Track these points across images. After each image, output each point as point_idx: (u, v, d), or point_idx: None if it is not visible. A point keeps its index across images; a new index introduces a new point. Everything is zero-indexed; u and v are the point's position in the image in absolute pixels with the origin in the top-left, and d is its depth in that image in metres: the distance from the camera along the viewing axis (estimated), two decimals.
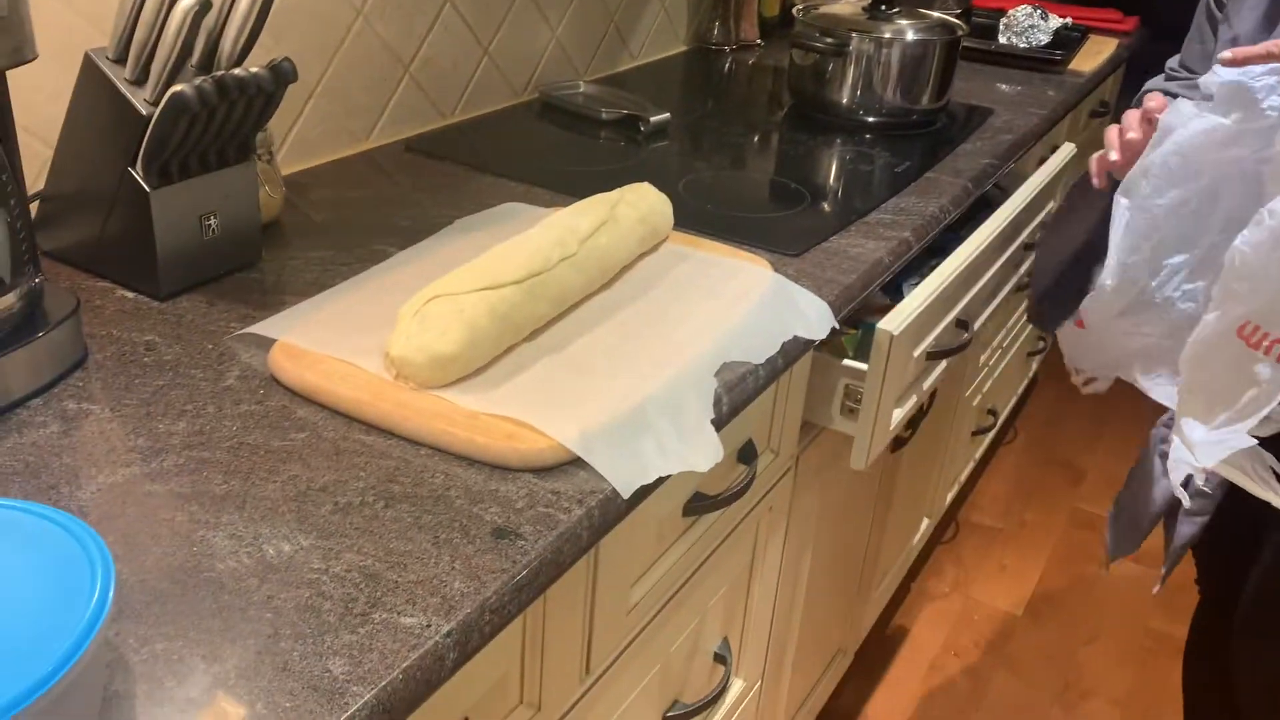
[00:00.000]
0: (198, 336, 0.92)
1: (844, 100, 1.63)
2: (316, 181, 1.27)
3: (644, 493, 0.78)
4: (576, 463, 0.77)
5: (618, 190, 1.11)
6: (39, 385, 0.83)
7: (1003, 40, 2.14)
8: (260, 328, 0.92)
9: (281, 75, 0.93)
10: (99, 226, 0.97)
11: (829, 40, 1.58)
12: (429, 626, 0.63)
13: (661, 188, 1.14)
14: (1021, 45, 2.12)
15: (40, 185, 1.01)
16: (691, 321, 0.96)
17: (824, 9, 1.72)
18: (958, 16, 1.90)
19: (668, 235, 1.12)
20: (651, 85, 1.84)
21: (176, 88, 0.86)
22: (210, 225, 0.99)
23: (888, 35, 1.59)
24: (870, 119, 1.63)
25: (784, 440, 1.16)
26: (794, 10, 1.71)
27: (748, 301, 1.01)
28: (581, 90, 1.66)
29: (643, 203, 1.09)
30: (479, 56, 1.53)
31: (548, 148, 1.49)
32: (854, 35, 1.58)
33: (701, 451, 0.82)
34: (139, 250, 0.95)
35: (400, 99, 1.42)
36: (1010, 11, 2.18)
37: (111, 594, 0.53)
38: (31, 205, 1.02)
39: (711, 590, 1.11)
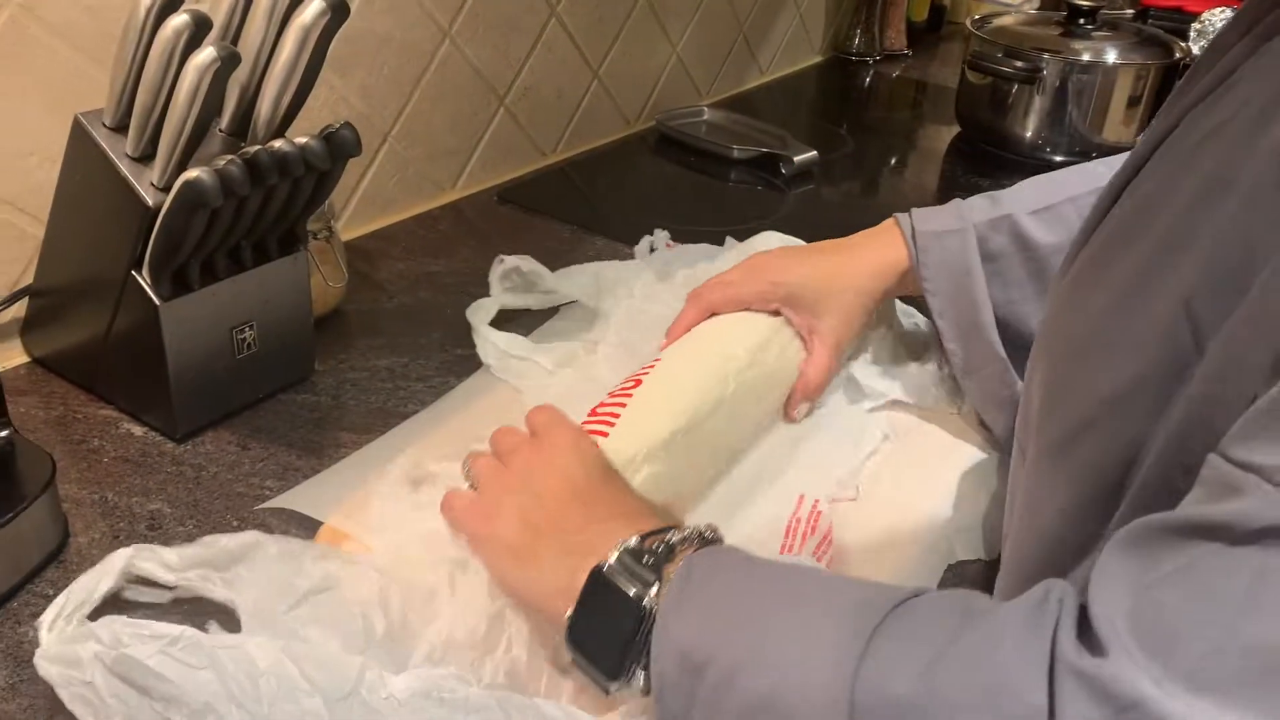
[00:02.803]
0: (220, 505, 0.68)
1: (1028, 133, 1.33)
2: (389, 248, 1.02)
3: None
4: None
5: None
6: None
7: (1195, 50, 1.80)
8: (301, 501, 0.67)
9: (340, 148, 0.68)
10: (99, 338, 0.73)
11: (1017, 64, 1.28)
12: None
13: None
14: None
15: (30, 277, 0.78)
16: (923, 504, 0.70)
17: (1001, 20, 1.41)
18: (1132, 20, 1.58)
19: None
20: (784, 107, 1.56)
21: (191, 173, 0.61)
22: (245, 339, 0.74)
23: (1087, 58, 1.28)
24: (1059, 157, 1.33)
25: None
26: (968, 22, 1.41)
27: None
28: (705, 118, 1.38)
29: None
30: (588, 81, 1.26)
31: (668, 195, 1.22)
32: (1047, 56, 1.28)
33: None
34: (149, 374, 0.71)
35: (493, 137, 1.16)
36: (1203, 16, 1.84)
37: None
38: (17, 305, 0.78)
39: None
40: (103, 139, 0.66)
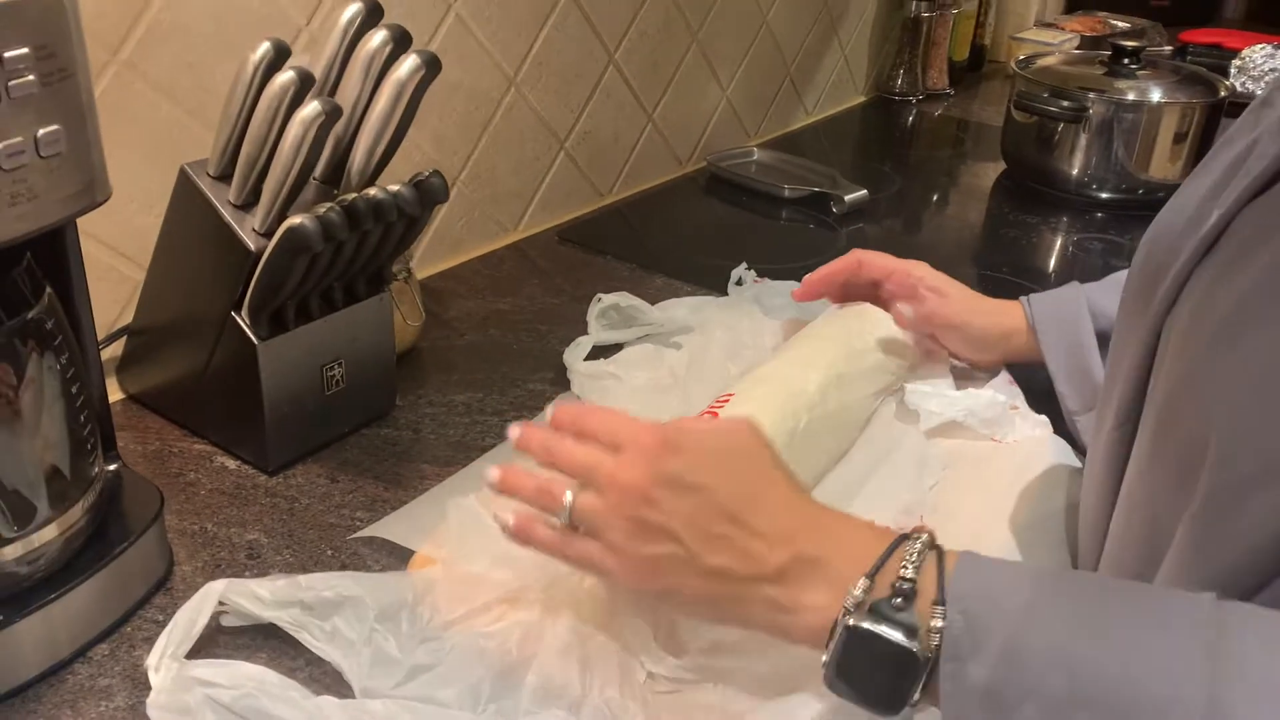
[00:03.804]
0: (314, 534, 0.71)
1: (1074, 171, 1.35)
2: (458, 287, 1.05)
3: None
4: None
5: (838, 318, 0.87)
6: (107, 624, 0.62)
7: (1238, 87, 1.82)
8: (390, 528, 0.70)
9: (430, 195, 0.71)
10: (196, 376, 0.77)
11: (1063, 104, 1.31)
12: None
13: None
14: (1261, 94, 1.79)
15: (128, 317, 0.82)
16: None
17: (1045, 61, 1.44)
18: (1171, 57, 1.61)
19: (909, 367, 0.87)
20: (830, 146, 1.59)
21: (294, 219, 0.65)
22: (334, 376, 0.77)
23: (1132, 97, 1.31)
24: (1105, 195, 1.35)
25: None
26: (1012, 62, 1.43)
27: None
28: (755, 159, 1.41)
29: (874, 333, 0.85)
30: (643, 124, 1.30)
31: (721, 233, 1.25)
32: (1092, 96, 1.30)
33: None
34: (244, 410, 0.75)
35: (554, 179, 1.19)
36: (1244, 53, 1.86)
37: None
38: (115, 344, 0.82)
39: None
40: (207, 187, 0.70)
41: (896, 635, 0.46)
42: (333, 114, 0.64)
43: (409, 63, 0.66)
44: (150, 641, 0.61)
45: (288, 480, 0.76)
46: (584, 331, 0.94)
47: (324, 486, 0.76)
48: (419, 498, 0.74)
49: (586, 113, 1.20)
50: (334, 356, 0.77)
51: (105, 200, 0.57)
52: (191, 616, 0.58)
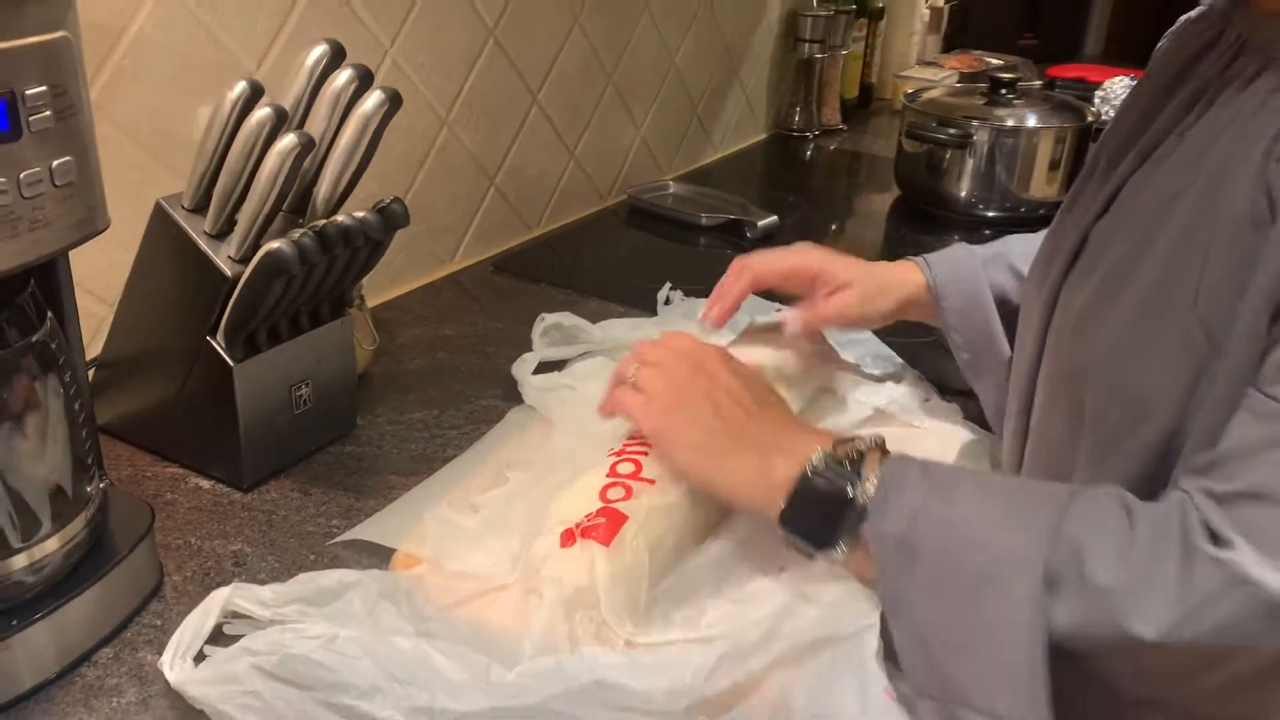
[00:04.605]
0: (295, 542, 0.75)
1: (963, 193, 1.47)
2: (403, 316, 1.10)
3: None
4: None
5: (758, 339, 0.94)
6: (107, 631, 0.65)
7: (1103, 114, 1.98)
8: (370, 530, 0.75)
9: (392, 220, 0.77)
10: (168, 402, 0.81)
11: (950, 131, 1.43)
12: None
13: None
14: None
15: (95, 350, 0.85)
16: None
17: (931, 94, 1.56)
18: (1044, 91, 1.75)
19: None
20: (737, 179, 1.69)
21: (272, 244, 0.70)
22: (302, 396, 0.82)
23: (1011, 123, 1.43)
24: (991, 213, 1.47)
25: None
26: (902, 95, 1.55)
27: None
28: (671, 191, 1.50)
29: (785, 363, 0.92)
30: (566, 161, 1.37)
31: (645, 260, 1.32)
32: (975, 124, 1.43)
33: None
34: (218, 431, 0.79)
35: (486, 213, 1.26)
36: (1106, 83, 2.03)
37: None
38: None
39: None
40: (182, 219, 0.75)
41: (843, 483, 0.60)
42: (307, 146, 0.70)
43: (374, 98, 0.72)
44: (151, 645, 0.65)
45: (262, 495, 0.80)
46: (528, 350, 1.00)
47: (298, 499, 0.80)
48: (392, 504, 0.79)
49: (514, 150, 1.27)
50: (302, 377, 0.82)
51: (105, 228, 0.61)
52: (200, 619, 0.62)
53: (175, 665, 0.60)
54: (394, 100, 0.73)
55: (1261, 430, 0.49)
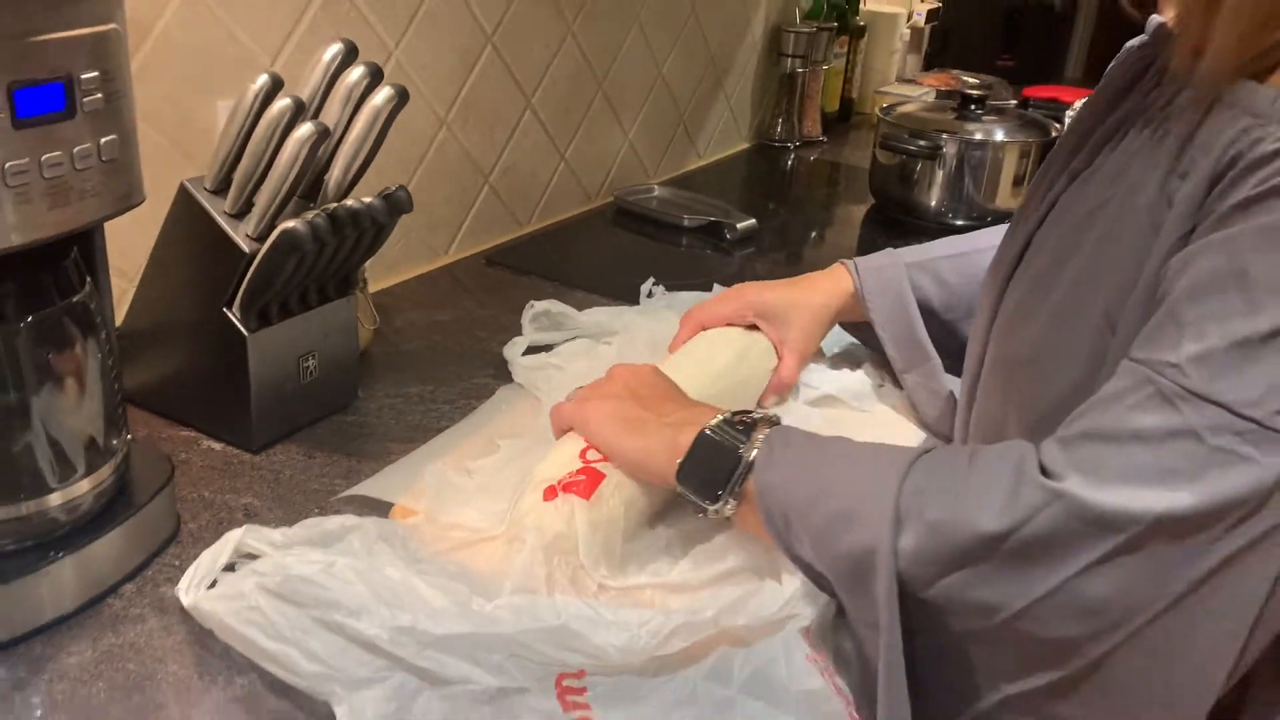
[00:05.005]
0: (300, 498, 0.82)
1: (933, 203, 1.55)
2: (401, 302, 1.17)
3: None
4: None
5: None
6: (131, 568, 0.72)
7: None
8: (371, 487, 0.82)
9: (396, 205, 0.84)
10: (184, 371, 0.87)
11: (921, 143, 1.51)
12: None
13: None
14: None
15: (116, 322, 0.91)
16: None
17: (906, 108, 1.64)
18: (1016, 109, 1.84)
19: None
20: (720, 185, 1.77)
21: (288, 224, 0.77)
22: (309, 367, 0.89)
23: (979, 136, 1.52)
24: (959, 221, 1.55)
25: None
26: (877, 109, 1.63)
27: None
28: (656, 194, 1.57)
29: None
30: (556, 162, 1.45)
31: (630, 257, 1.40)
32: (945, 136, 1.51)
33: None
34: (231, 397, 0.85)
35: (479, 210, 1.33)
36: (1076, 103, 2.12)
37: None
38: None
39: None
40: (204, 199, 0.82)
41: (734, 442, 0.68)
42: (323, 134, 0.77)
43: (384, 93, 0.79)
44: (170, 581, 0.72)
45: (270, 457, 0.87)
46: (518, 335, 1.07)
47: (303, 461, 0.86)
48: (392, 464, 0.85)
49: (507, 150, 1.34)
50: (309, 349, 0.88)
51: (142, 202, 0.68)
52: (215, 554, 0.69)
53: (190, 591, 0.67)
54: (401, 95, 0.80)
55: (1116, 385, 0.55)
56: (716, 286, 1.15)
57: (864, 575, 0.59)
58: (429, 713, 0.60)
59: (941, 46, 2.56)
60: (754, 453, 0.67)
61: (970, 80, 2.32)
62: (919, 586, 0.58)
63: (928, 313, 0.95)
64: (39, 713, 0.60)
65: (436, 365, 1.04)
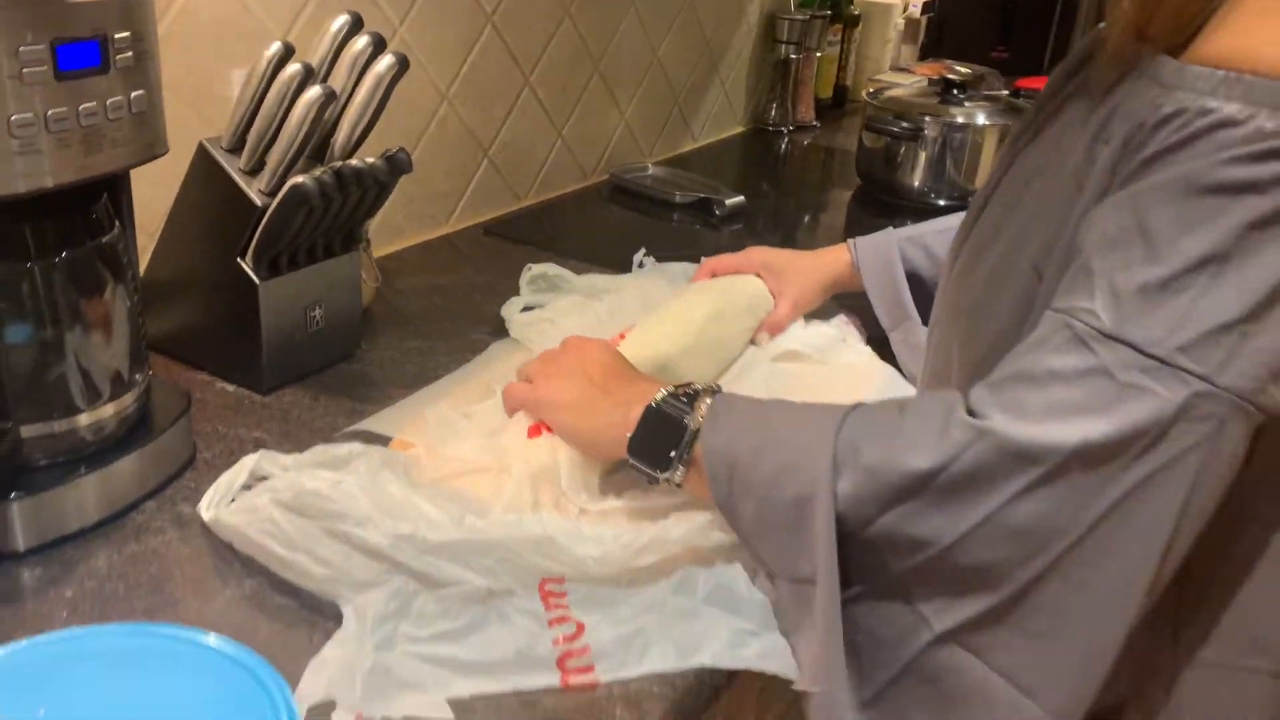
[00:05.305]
0: (306, 433, 0.89)
1: (916, 183, 1.61)
2: (403, 266, 1.24)
3: None
4: None
5: (719, 279, 1.09)
6: (151, 487, 0.79)
7: None
8: (373, 424, 0.89)
9: (397, 166, 0.91)
10: (200, 317, 0.95)
11: (904, 125, 1.57)
12: None
13: None
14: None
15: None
16: None
17: (892, 93, 1.71)
18: (1007, 99, 1.90)
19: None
20: (714, 166, 1.83)
21: (297, 179, 0.84)
22: (315, 317, 0.96)
23: (960, 120, 1.58)
24: (942, 201, 1.61)
25: None
26: (864, 93, 1.70)
27: None
28: (650, 173, 1.64)
29: (746, 290, 1.07)
30: (553, 139, 1.51)
31: (623, 230, 1.47)
32: (927, 119, 1.57)
33: None
34: (243, 342, 0.92)
35: (479, 183, 1.40)
36: None
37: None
38: None
39: None
40: (221, 157, 0.89)
41: (679, 413, 0.72)
42: (330, 97, 0.84)
43: (386, 60, 0.86)
44: (187, 500, 0.79)
45: (279, 399, 0.94)
46: (516, 297, 1.14)
47: (309, 403, 0.94)
48: (394, 405, 0.92)
49: (506, 126, 1.41)
50: (315, 300, 0.95)
51: (165, 153, 0.75)
52: (232, 477, 0.76)
53: (212, 508, 0.74)
54: (403, 63, 0.87)
55: (1038, 332, 0.61)
56: (704, 260, 1.22)
57: (805, 521, 0.64)
58: (426, 611, 0.67)
59: (938, 38, 2.61)
60: (699, 420, 0.72)
61: (963, 71, 2.39)
62: (857, 526, 0.62)
63: (917, 280, 1.05)
64: (70, 606, 0.68)
65: (435, 323, 1.11)
